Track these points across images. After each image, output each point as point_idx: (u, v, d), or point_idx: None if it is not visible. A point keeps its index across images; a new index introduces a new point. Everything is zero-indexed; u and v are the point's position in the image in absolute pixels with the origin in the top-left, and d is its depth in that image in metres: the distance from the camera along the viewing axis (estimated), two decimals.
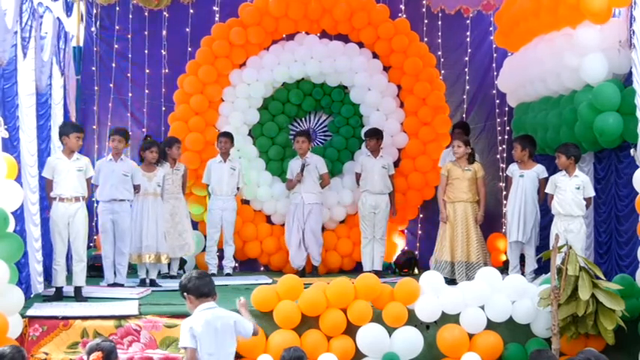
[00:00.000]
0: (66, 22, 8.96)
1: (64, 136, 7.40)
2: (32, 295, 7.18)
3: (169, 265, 8.90)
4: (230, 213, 9.26)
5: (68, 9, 9.02)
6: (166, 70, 10.11)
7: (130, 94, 10.09)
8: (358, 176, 9.46)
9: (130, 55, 10.06)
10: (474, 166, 8.55)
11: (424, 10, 10.36)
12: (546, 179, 8.11)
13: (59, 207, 7.26)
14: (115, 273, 8.07)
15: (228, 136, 9.29)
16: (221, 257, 9.35)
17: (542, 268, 8.20)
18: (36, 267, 7.39)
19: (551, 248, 6.57)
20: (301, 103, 10.20)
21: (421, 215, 10.30)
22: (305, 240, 9.34)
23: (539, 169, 8.36)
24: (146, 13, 10.03)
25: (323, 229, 9.70)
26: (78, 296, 7.26)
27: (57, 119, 8.63)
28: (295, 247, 9.33)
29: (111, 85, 10.04)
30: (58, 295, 7.22)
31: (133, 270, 8.51)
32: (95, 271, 8.46)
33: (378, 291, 6.75)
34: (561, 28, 7.91)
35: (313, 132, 10.31)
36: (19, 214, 6.72)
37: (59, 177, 7.28)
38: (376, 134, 9.38)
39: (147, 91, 10.11)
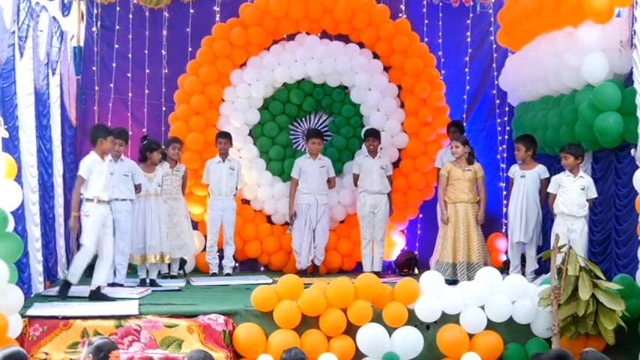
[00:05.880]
0: (62, 21, 8.92)
1: (100, 139, 7.36)
2: (32, 295, 7.16)
3: (169, 265, 8.90)
4: (230, 213, 9.26)
5: (65, 8, 8.99)
6: (166, 70, 10.10)
7: (130, 94, 10.07)
8: (356, 177, 9.46)
9: (130, 55, 10.03)
10: (474, 166, 8.52)
11: (424, 10, 10.35)
12: (547, 179, 8.10)
13: (97, 208, 7.23)
14: (114, 273, 8.06)
15: (227, 137, 9.30)
16: (221, 257, 9.34)
17: (543, 268, 8.20)
18: (37, 267, 7.38)
19: (551, 248, 6.57)
20: (302, 103, 10.19)
21: (421, 215, 10.29)
22: (315, 240, 9.37)
23: (541, 170, 8.35)
24: (146, 13, 10.01)
25: None
26: (96, 295, 7.18)
27: (55, 119, 8.60)
28: (306, 248, 9.35)
29: (111, 85, 10.01)
30: (67, 286, 7.15)
31: (132, 270, 8.50)
32: None
33: (378, 291, 6.75)
34: (563, 27, 7.90)
35: None
36: (21, 214, 6.70)
37: (99, 178, 7.27)
38: (378, 134, 9.40)
39: (147, 91, 10.09)
